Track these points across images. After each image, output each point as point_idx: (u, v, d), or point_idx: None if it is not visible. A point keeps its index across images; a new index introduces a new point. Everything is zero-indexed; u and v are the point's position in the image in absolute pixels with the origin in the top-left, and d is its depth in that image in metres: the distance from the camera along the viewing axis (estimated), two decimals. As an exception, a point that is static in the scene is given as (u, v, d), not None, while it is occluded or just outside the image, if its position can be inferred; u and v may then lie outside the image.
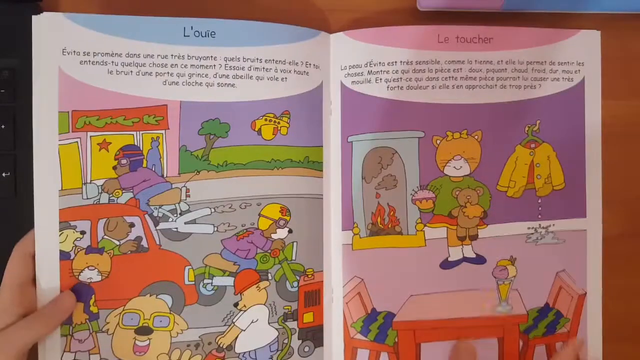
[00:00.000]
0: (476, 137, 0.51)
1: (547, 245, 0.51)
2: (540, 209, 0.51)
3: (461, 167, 0.51)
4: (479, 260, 0.51)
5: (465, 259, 0.51)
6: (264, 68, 0.48)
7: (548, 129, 0.51)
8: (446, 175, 0.51)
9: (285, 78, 0.48)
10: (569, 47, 0.51)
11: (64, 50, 0.46)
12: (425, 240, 0.51)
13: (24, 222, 0.47)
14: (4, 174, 0.49)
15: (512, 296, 0.51)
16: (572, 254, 0.52)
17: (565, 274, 0.52)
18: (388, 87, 0.49)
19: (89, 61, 0.46)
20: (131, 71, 0.46)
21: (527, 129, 0.51)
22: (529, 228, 0.51)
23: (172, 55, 0.47)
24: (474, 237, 0.51)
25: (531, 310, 0.52)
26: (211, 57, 0.47)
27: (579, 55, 0.51)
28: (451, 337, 0.51)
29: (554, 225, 0.51)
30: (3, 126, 0.49)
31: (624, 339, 0.54)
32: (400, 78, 0.49)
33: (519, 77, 0.50)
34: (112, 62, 0.46)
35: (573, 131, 0.52)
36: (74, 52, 0.46)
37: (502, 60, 0.50)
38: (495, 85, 0.50)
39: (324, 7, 0.53)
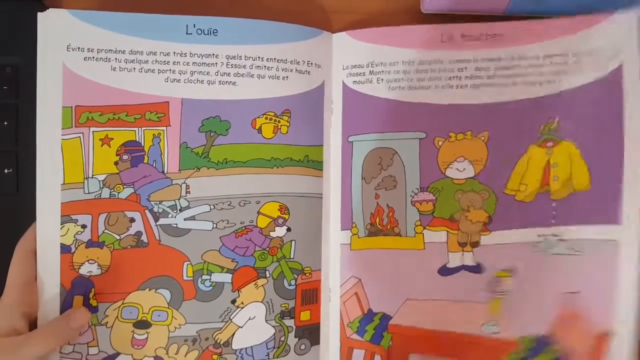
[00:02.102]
0: (482, 138, 0.49)
1: (559, 256, 0.46)
2: (554, 213, 0.47)
3: (464, 169, 0.49)
4: (477, 268, 0.48)
5: (464, 267, 0.48)
6: (265, 66, 0.48)
7: (570, 125, 0.47)
8: (448, 177, 0.49)
9: (287, 77, 0.49)
10: (600, 33, 0.47)
11: (68, 46, 0.46)
12: (424, 243, 0.49)
13: (26, 218, 0.47)
14: (6, 171, 0.49)
15: (503, 315, 0.47)
16: (593, 270, 0.45)
17: (580, 297, 0.44)
18: (390, 87, 0.49)
19: (93, 57, 0.47)
20: (134, 68, 0.47)
21: (542, 127, 0.48)
22: (539, 235, 0.47)
23: (174, 53, 0.47)
24: (476, 244, 0.48)
25: (524, 338, 0.47)
26: (213, 54, 0.48)
27: (615, 41, 0.47)
28: (440, 352, 0.49)
29: (571, 231, 0.46)
30: (5, 123, 0.49)
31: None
32: (402, 78, 0.49)
33: (532, 73, 0.48)
34: (116, 58, 0.47)
35: (604, 125, 0.47)
36: (78, 48, 0.47)
37: (514, 57, 0.48)
38: (505, 83, 0.48)
39: (326, 8, 0.53)
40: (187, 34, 0.47)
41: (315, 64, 0.49)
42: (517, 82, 0.48)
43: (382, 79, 0.49)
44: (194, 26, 0.47)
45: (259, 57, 0.48)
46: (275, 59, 0.48)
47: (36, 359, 0.42)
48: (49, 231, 0.46)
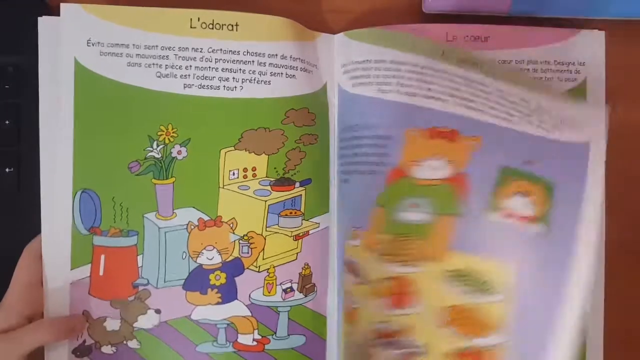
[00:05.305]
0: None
1: None
2: None
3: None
4: None
5: None
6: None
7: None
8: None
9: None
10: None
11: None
12: None
13: (26, 217, 0.47)
14: (7, 170, 0.49)
15: None
16: None
17: None
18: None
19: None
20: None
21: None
22: None
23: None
24: None
25: None
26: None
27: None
28: None
29: None
30: (7, 122, 0.49)
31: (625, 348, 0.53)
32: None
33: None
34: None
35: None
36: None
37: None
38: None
39: (326, 9, 0.53)
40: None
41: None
42: None
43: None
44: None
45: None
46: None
47: (28, 350, 0.42)
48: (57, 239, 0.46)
